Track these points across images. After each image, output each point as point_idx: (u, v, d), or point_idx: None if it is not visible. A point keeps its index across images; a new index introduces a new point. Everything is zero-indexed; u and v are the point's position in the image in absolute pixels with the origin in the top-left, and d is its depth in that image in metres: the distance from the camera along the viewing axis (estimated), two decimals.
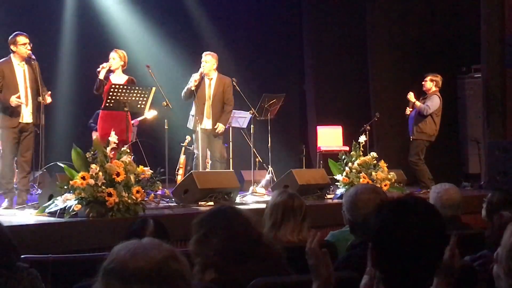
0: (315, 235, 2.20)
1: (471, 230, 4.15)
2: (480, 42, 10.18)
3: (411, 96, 8.94)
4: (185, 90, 8.19)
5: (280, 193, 3.71)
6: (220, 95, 8.22)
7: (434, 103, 8.86)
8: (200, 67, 8.23)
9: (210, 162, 8.35)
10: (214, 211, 2.76)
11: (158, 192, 6.21)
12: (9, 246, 2.76)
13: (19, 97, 6.56)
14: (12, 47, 6.69)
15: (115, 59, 7.50)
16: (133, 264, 1.56)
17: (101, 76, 7.38)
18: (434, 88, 8.97)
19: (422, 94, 9.13)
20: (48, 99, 6.84)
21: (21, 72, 6.72)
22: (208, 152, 8.36)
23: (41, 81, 6.77)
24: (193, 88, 8.07)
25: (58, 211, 5.41)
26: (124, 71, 7.63)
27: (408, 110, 9.04)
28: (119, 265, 1.57)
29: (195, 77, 8.08)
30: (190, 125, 8.34)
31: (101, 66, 7.42)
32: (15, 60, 6.70)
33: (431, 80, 8.99)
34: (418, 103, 8.86)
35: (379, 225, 1.86)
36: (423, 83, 9.03)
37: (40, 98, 6.74)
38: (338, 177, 7.82)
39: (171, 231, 3.21)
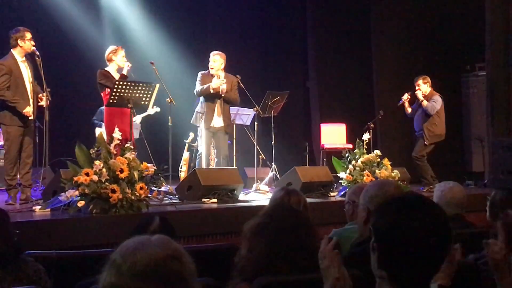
0: (329, 240, 2.22)
1: (474, 229, 4.15)
2: (484, 40, 10.16)
3: (419, 95, 8.94)
4: (203, 88, 8.13)
5: (279, 190, 3.71)
6: (228, 93, 8.23)
7: (437, 102, 8.89)
8: (206, 65, 8.25)
9: (216, 160, 8.33)
10: (278, 208, 2.74)
11: (161, 189, 6.21)
12: (15, 240, 2.78)
13: (29, 107, 6.61)
14: (19, 41, 6.65)
15: (124, 57, 7.51)
16: (131, 259, 1.57)
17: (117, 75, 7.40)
18: (429, 89, 9.00)
19: (416, 100, 9.10)
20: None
21: (25, 68, 6.72)
22: (214, 150, 8.35)
23: (43, 78, 6.77)
24: (212, 91, 8.06)
25: (62, 207, 5.43)
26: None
27: (418, 94, 9.00)
28: (120, 257, 1.58)
29: (218, 81, 8.03)
30: (195, 121, 8.34)
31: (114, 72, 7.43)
32: (18, 57, 6.69)
33: (424, 83, 9.00)
34: (425, 102, 8.85)
35: (384, 225, 1.86)
36: (417, 88, 9.00)
37: (44, 94, 6.76)
38: (342, 174, 7.82)
39: (174, 228, 3.21)
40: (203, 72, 8.36)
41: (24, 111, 6.57)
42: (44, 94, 6.77)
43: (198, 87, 8.22)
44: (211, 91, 8.08)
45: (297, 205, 3.52)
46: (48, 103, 6.85)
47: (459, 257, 2.42)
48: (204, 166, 8.12)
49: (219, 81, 8.04)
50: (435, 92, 9.01)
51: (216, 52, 8.32)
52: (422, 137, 8.97)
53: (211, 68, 8.18)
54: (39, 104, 6.80)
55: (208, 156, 8.29)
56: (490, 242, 2.49)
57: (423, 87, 8.98)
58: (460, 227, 3.89)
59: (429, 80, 9.03)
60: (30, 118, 6.67)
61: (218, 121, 8.22)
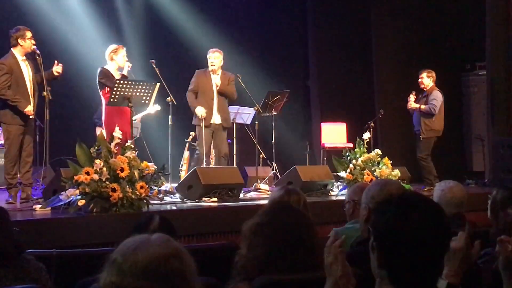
0: (336, 238, 2.21)
1: (475, 228, 4.15)
2: (484, 39, 10.16)
3: (413, 104, 8.93)
4: (190, 103, 8.23)
5: (279, 189, 3.71)
6: (225, 87, 8.27)
7: (437, 100, 8.86)
8: (206, 63, 8.26)
9: (214, 158, 8.34)
10: (278, 207, 2.74)
11: (161, 188, 6.21)
12: (16, 238, 2.79)
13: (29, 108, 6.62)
14: (19, 40, 6.66)
15: (125, 56, 7.49)
16: (132, 258, 1.57)
17: (117, 75, 7.38)
18: (431, 84, 8.98)
19: (419, 92, 9.10)
20: (59, 69, 6.88)
21: (25, 67, 6.74)
22: (213, 149, 8.36)
23: (44, 76, 6.78)
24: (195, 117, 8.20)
25: (62, 206, 5.42)
26: None
27: (411, 104, 8.99)
28: (121, 257, 1.58)
29: (202, 113, 8.10)
30: (196, 121, 8.35)
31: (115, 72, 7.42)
32: (19, 56, 6.70)
33: (428, 76, 8.99)
34: (423, 107, 8.85)
35: (383, 225, 1.85)
36: (419, 80, 9.02)
37: (44, 93, 6.76)
38: (342, 174, 7.82)
39: (174, 227, 3.20)
40: (199, 70, 8.38)
41: (25, 110, 6.57)
42: (45, 93, 6.78)
43: (191, 96, 8.22)
44: (193, 111, 8.15)
45: (297, 204, 3.51)
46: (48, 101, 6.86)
47: (475, 256, 2.35)
48: (204, 165, 8.12)
49: (203, 112, 8.07)
50: (436, 87, 8.99)
51: (215, 49, 8.35)
52: (419, 135, 8.96)
53: (212, 65, 8.20)
54: (55, 71, 6.83)
55: (208, 155, 8.29)
56: (503, 238, 2.40)
57: (426, 81, 8.97)
58: (460, 226, 3.89)
59: (434, 75, 9.01)
60: (31, 117, 6.68)
61: (217, 118, 8.24)
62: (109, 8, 11.33)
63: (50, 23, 10.38)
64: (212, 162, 8.34)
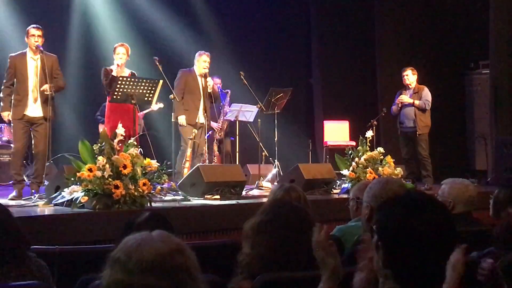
0: (321, 229, 2.21)
1: (481, 227, 4.14)
2: (488, 38, 10.14)
3: (406, 98, 8.91)
4: (175, 108, 8.20)
5: (278, 188, 3.71)
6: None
7: (429, 96, 8.90)
8: (211, 62, 8.27)
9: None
10: (281, 204, 2.74)
11: (164, 185, 6.21)
12: (18, 235, 2.78)
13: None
14: (25, 38, 6.83)
15: (125, 54, 7.49)
16: (137, 255, 1.57)
17: (114, 73, 7.39)
18: (415, 82, 9.00)
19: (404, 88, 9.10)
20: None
21: (33, 65, 6.78)
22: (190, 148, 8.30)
23: (49, 75, 6.77)
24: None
25: (65, 202, 5.44)
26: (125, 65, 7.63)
27: (403, 98, 8.95)
28: (124, 255, 1.59)
29: (183, 122, 8.11)
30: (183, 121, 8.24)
31: (115, 70, 7.43)
32: (29, 53, 6.81)
33: (413, 74, 9.01)
34: (417, 102, 8.84)
35: (390, 223, 1.85)
36: (404, 77, 9.01)
37: (47, 90, 6.77)
38: (345, 172, 7.81)
39: (177, 224, 3.20)
40: (184, 70, 8.34)
41: (1, 112, 6.79)
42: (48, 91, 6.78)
43: (177, 103, 8.13)
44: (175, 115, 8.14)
45: (297, 201, 3.52)
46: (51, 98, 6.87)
47: (463, 259, 2.24)
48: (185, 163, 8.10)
49: (184, 122, 8.08)
50: (420, 84, 9.02)
51: (205, 52, 8.34)
52: (415, 132, 8.93)
53: (205, 68, 8.17)
54: (45, 92, 6.74)
55: (201, 153, 8.25)
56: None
57: (411, 78, 8.99)
58: (468, 225, 3.91)
59: (417, 73, 9.06)
60: (29, 112, 6.69)
61: (202, 118, 8.23)
62: (114, 7, 11.33)
63: (54, 19, 10.39)
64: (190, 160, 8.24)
